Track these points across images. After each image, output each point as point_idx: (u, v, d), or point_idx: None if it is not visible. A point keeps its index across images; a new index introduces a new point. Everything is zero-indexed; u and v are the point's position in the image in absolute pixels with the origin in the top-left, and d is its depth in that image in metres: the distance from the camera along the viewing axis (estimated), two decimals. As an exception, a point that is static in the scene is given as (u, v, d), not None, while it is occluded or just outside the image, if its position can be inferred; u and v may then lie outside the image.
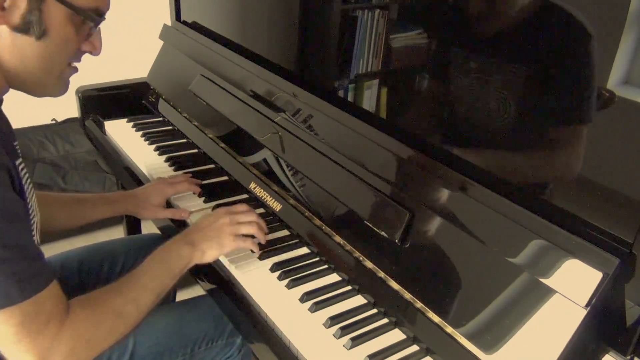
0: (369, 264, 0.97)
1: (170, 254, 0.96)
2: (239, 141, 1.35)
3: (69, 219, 1.18)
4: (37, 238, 0.88)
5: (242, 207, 1.08)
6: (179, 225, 1.20)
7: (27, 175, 0.86)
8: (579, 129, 0.81)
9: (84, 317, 0.80)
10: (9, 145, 0.81)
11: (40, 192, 1.16)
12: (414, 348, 0.88)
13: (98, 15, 0.83)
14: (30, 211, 0.85)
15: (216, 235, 1.00)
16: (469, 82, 0.92)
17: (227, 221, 1.02)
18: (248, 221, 1.04)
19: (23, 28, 0.77)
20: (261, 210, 1.22)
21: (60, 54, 0.82)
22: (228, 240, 1.00)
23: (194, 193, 1.27)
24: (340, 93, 1.21)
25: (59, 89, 0.86)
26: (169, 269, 0.94)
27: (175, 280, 0.95)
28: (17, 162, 0.82)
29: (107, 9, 0.85)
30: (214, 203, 1.23)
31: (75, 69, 0.87)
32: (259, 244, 1.06)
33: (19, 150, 0.87)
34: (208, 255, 0.99)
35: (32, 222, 0.85)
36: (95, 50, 0.87)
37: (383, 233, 0.96)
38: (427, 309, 0.87)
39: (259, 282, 1.00)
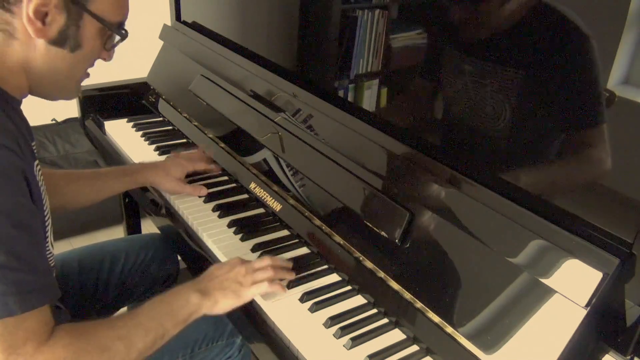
0: (369, 264, 0.97)
1: (177, 298, 0.91)
2: (239, 141, 1.35)
3: (95, 193, 1.20)
4: (50, 240, 0.89)
5: (260, 262, 1.00)
6: (179, 226, 1.20)
7: (42, 176, 0.87)
8: (575, 131, 0.81)
9: (65, 344, 0.76)
10: (27, 147, 0.82)
11: (64, 170, 1.20)
12: (414, 348, 0.88)
13: (121, 28, 0.87)
14: (45, 213, 0.85)
15: (232, 285, 0.94)
16: (468, 83, 0.92)
17: (242, 270, 0.96)
18: (263, 266, 0.98)
19: (59, 41, 0.80)
20: (261, 210, 1.22)
21: (86, 63, 0.87)
22: (245, 290, 0.94)
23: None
24: (340, 93, 1.21)
25: (75, 93, 0.91)
26: (172, 312, 0.88)
27: (178, 328, 0.89)
28: (35, 163, 0.84)
29: (127, 18, 0.89)
30: (213, 203, 1.23)
31: (88, 75, 0.91)
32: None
33: (35, 152, 0.88)
34: (221, 305, 0.93)
35: (47, 224, 0.86)
36: (109, 59, 0.91)
37: (383, 233, 0.95)
38: (427, 309, 0.87)
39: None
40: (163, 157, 1.42)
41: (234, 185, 1.31)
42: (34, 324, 0.73)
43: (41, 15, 0.76)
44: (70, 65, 0.83)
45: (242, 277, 0.95)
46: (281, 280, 0.98)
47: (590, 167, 0.82)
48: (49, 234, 0.87)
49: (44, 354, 0.74)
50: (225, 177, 1.34)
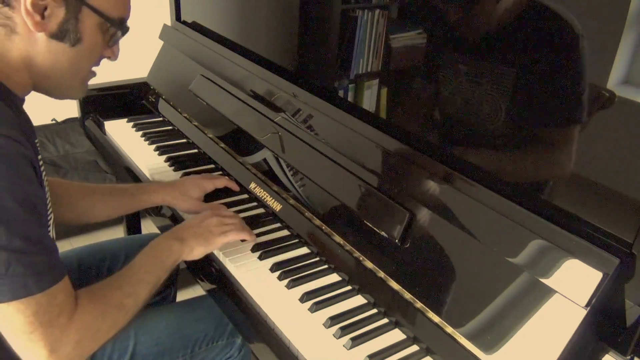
0: (369, 264, 0.97)
1: (162, 249, 0.99)
2: (239, 141, 1.35)
3: (109, 209, 1.19)
4: (52, 233, 0.91)
5: (227, 210, 1.12)
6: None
7: (44, 172, 0.89)
8: (569, 129, 0.82)
9: (91, 309, 0.83)
10: (31, 142, 0.84)
11: (80, 183, 1.21)
12: (414, 348, 0.88)
13: (123, 24, 0.88)
14: (47, 207, 0.87)
15: (204, 233, 1.03)
16: (464, 83, 0.93)
17: (214, 221, 1.05)
18: (231, 217, 1.08)
19: (59, 35, 0.81)
20: (261, 210, 1.22)
21: (89, 59, 0.87)
22: (215, 237, 1.03)
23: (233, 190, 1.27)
24: (340, 93, 1.21)
25: (81, 91, 0.92)
26: (162, 263, 0.97)
27: (167, 274, 0.98)
28: (38, 158, 0.85)
29: (129, 17, 0.90)
30: (213, 203, 1.23)
31: (94, 73, 0.92)
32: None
33: (38, 148, 0.89)
34: (196, 251, 1.01)
35: (49, 217, 0.88)
36: (114, 57, 0.92)
37: (383, 233, 0.96)
38: (427, 309, 0.87)
39: (259, 282, 1.00)
40: (163, 157, 1.43)
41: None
42: (63, 298, 0.79)
43: (40, 9, 0.78)
44: (71, 60, 0.84)
45: (213, 227, 1.04)
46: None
47: (556, 163, 0.84)
48: (51, 228, 0.89)
49: (76, 322, 0.80)
50: (225, 177, 1.34)
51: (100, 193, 1.19)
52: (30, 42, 0.80)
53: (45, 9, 0.78)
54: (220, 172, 1.36)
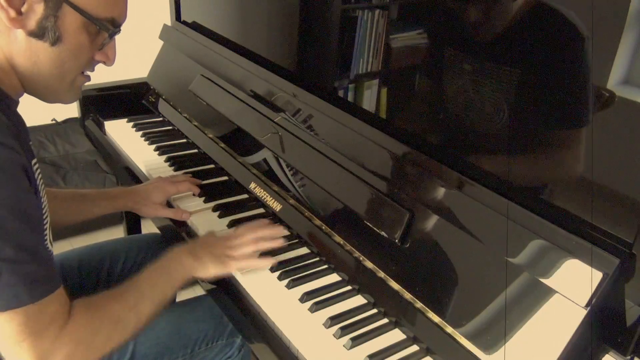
0: (369, 264, 0.97)
1: (173, 263, 0.96)
2: (239, 141, 1.35)
3: (70, 215, 1.17)
4: (49, 237, 0.89)
5: (244, 231, 1.06)
6: (179, 226, 1.20)
7: (40, 175, 0.87)
8: (573, 131, 0.82)
9: (84, 322, 0.80)
10: (26, 146, 0.82)
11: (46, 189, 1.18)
12: (414, 348, 0.88)
13: (114, 26, 0.84)
14: (43, 211, 0.86)
15: (222, 255, 0.99)
16: (468, 83, 0.93)
17: (232, 243, 1.01)
18: (249, 241, 1.02)
19: (38, 33, 0.78)
20: (261, 210, 1.22)
21: (73, 61, 0.83)
22: (232, 262, 0.99)
23: (194, 194, 1.26)
24: (340, 93, 1.21)
25: (71, 96, 0.88)
26: (170, 278, 0.94)
27: (175, 290, 0.95)
28: (33, 162, 0.84)
29: (124, 20, 0.86)
30: (213, 203, 1.23)
31: (88, 78, 0.89)
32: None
33: (33, 151, 0.88)
34: (210, 271, 0.98)
35: (45, 222, 0.87)
36: (108, 61, 0.88)
37: (383, 233, 0.96)
38: (427, 309, 0.87)
39: (259, 282, 1.00)
40: (163, 157, 1.43)
41: (234, 185, 1.31)
42: (56, 308, 0.77)
43: (16, 5, 0.75)
44: (53, 60, 0.80)
45: (231, 249, 1.00)
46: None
47: (562, 165, 0.84)
48: (47, 231, 0.88)
49: (67, 334, 0.78)
50: (225, 177, 1.35)
51: (60, 199, 1.16)
52: (10, 39, 0.78)
53: (23, 4, 0.75)
54: (227, 178, 1.35)
